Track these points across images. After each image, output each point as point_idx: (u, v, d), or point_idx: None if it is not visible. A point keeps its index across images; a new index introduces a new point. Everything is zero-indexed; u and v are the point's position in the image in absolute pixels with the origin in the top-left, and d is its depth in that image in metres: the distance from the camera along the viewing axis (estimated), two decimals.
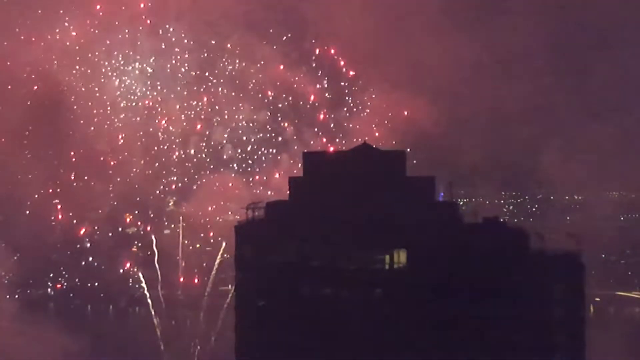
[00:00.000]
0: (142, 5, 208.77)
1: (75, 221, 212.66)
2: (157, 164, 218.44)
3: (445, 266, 70.31)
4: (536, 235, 73.14)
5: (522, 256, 71.83)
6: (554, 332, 71.49)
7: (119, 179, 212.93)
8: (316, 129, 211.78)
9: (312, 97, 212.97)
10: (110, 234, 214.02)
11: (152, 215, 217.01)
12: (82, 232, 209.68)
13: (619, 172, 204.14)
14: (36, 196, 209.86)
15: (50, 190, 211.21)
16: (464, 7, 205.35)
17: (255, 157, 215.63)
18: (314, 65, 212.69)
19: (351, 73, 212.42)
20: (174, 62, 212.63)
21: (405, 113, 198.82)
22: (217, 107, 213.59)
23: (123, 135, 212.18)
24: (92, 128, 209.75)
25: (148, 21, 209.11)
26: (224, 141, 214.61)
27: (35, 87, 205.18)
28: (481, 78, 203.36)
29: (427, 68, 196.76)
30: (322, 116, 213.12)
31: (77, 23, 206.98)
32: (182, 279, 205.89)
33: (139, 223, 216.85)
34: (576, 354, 72.36)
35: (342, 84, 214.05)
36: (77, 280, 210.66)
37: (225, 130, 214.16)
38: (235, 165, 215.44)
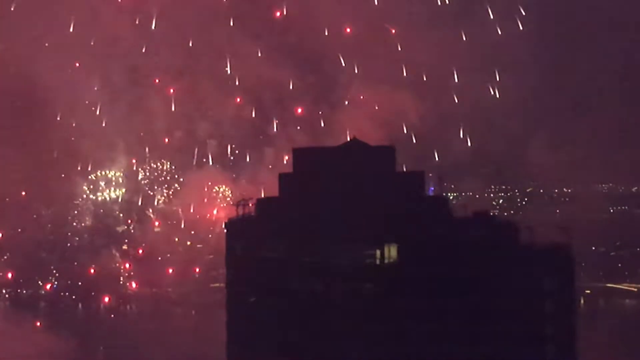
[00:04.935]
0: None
1: None
2: (143, 159, 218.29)
3: (436, 260, 70.50)
4: (526, 228, 73.37)
5: (512, 249, 72.06)
6: (544, 324, 71.69)
7: (95, 175, 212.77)
8: (299, 126, 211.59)
9: (297, 92, 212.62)
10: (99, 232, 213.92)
11: (140, 213, 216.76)
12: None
13: (607, 165, 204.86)
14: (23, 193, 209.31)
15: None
16: (449, 1, 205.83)
17: (240, 153, 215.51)
18: (299, 60, 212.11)
19: (336, 68, 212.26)
20: (157, 56, 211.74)
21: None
22: (200, 103, 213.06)
23: (105, 131, 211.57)
24: (74, 124, 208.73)
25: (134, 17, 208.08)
26: (208, 137, 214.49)
27: (14, 84, 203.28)
28: (467, 71, 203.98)
29: (412, 63, 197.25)
30: (307, 111, 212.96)
31: (58, 18, 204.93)
32: (172, 277, 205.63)
33: (129, 221, 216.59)
34: (567, 346, 72.60)
35: (328, 78, 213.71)
36: (67, 279, 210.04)
37: (210, 126, 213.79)
38: (220, 161, 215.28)
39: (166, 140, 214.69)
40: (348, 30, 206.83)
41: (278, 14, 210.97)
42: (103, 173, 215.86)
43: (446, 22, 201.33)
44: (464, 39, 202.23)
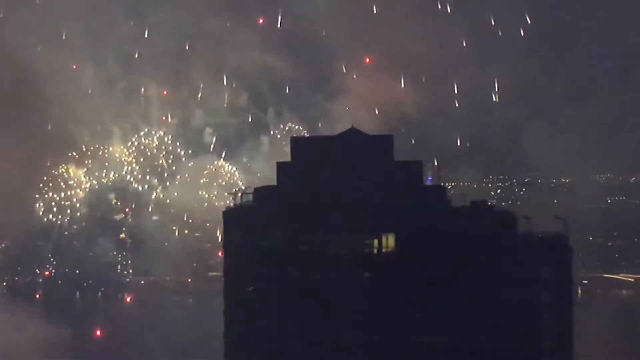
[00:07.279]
0: None
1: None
2: (137, 148, 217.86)
3: (434, 250, 70.53)
4: (523, 218, 73.42)
5: (509, 239, 72.14)
6: (541, 314, 71.87)
7: (91, 162, 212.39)
8: (296, 113, 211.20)
9: (293, 81, 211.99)
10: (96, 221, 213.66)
11: (138, 202, 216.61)
12: None
13: (605, 155, 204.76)
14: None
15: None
16: None
17: (236, 141, 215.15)
18: (294, 48, 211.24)
19: (333, 56, 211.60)
20: (151, 45, 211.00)
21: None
22: (196, 91, 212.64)
23: (100, 120, 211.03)
24: (67, 113, 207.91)
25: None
26: (205, 126, 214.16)
27: (4, 71, 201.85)
28: (464, 61, 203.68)
29: (409, 51, 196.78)
30: (302, 99, 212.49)
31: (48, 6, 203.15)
32: (170, 265, 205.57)
33: (127, 210, 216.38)
34: (564, 335, 72.76)
35: (323, 67, 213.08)
36: (65, 267, 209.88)
37: (205, 114, 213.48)
38: (216, 149, 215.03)
39: (163, 118, 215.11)
40: (367, 60, 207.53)
41: (261, 21, 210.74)
42: (96, 147, 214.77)
43: (443, 13, 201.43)
44: (463, 29, 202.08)
